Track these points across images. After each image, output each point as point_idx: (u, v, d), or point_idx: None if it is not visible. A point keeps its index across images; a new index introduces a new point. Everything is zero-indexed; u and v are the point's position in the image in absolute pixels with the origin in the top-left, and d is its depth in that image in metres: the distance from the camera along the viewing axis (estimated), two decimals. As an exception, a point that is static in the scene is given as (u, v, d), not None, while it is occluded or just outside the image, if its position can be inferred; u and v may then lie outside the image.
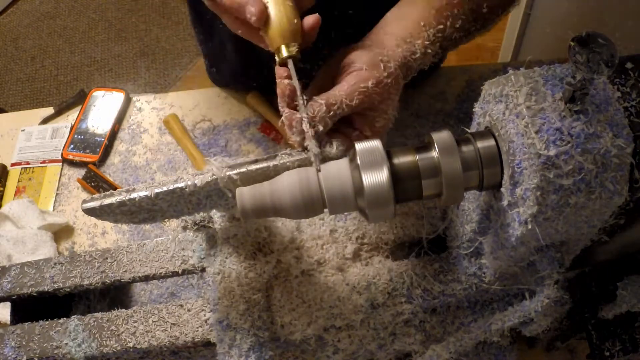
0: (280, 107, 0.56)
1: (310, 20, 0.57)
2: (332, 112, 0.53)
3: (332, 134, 0.56)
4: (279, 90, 0.56)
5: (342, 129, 0.57)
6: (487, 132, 0.47)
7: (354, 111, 0.55)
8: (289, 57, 0.55)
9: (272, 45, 0.56)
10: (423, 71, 0.92)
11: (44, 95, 2.41)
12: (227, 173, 0.52)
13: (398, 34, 0.59)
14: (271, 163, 0.52)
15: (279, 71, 0.57)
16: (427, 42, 0.59)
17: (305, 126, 0.53)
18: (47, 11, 2.68)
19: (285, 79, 0.56)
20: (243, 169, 0.52)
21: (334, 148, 0.52)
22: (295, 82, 0.55)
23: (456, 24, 0.61)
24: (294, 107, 0.55)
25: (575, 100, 0.40)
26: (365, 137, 0.55)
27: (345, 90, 0.54)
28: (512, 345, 0.67)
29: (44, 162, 0.97)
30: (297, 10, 0.56)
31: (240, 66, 0.95)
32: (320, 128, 0.53)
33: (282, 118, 0.55)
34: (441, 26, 0.60)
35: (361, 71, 0.55)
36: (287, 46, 0.55)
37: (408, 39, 0.59)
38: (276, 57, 0.56)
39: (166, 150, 0.97)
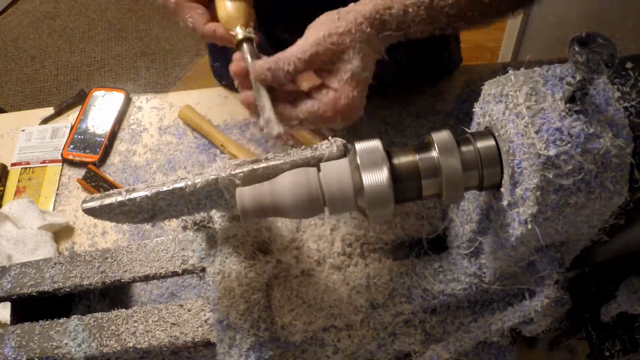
0: (238, 88, 0.58)
1: None
2: (282, 67, 0.53)
3: (302, 99, 0.57)
4: (233, 69, 0.58)
5: (314, 92, 0.57)
6: (487, 132, 0.47)
7: (312, 66, 0.55)
8: (247, 37, 0.57)
9: (234, 21, 0.58)
10: (440, 70, 0.90)
11: (44, 95, 2.41)
12: (227, 173, 0.52)
13: None
14: (271, 163, 0.52)
15: (235, 55, 0.58)
16: (409, 2, 0.57)
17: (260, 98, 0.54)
18: (47, 11, 2.68)
19: (240, 61, 0.57)
20: (243, 169, 0.52)
21: (334, 148, 0.52)
22: (249, 60, 0.56)
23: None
24: (248, 86, 0.56)
25: (575, 100, 0.40)
26: (335, 92, 0.56)
27: (297, 46, 0.54)
28: (512, 345, 0.67)
29: (44, 162, 0.98)
30: None
31: None
32: (276, 81, 0.54)
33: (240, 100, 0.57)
34: None
35: (315, 26, 0.56)
36: (241, 28, 0.57)
37: None
38: (233, 37, 0.58)
39: (166, 150, 0.97)
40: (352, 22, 0.55)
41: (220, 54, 1.00)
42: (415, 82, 0.98)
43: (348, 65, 0.56)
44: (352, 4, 0.58)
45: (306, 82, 0.58)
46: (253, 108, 0.56)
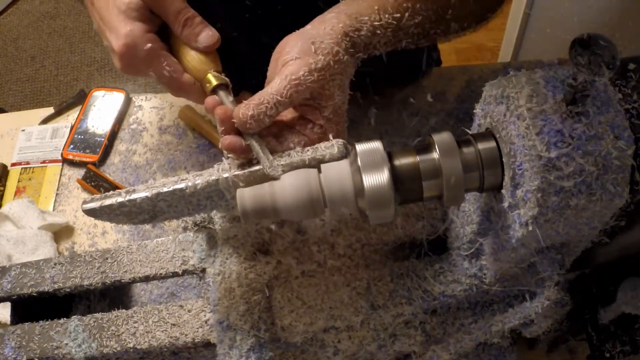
0: (220, 134, 0.55)
1: (209, 37, 0.57)
2: (265, 112, 0.51)
3: (288, 133, 0.55)
4: (219, 113, 0.54)
5: (299, 126, 0.56)
6: (488, 134, 0.47)
7: (295, 104, 0.54)
8: (221, 84, 0.55)
9: (202, 71, 0.56)
10: (417, 69, 0.90)
11: (44, 95, 2.41)
12: (228, 174, 0.52)
13: (345, 10, 0.57)
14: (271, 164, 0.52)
15: (209, 101, 0.56)
16: (377, 24, 0.56)
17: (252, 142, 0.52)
18: (47, 11, 2.68)
19: (217, 107, 0.54)
20: (243, 170, 0.52)
21: (335, 149, 0.52)
22: (229, 105, 0.54)
23: (415, 19, 0.58)
24: (233, 129, 0.54)
25: (576, 102, 0.40)
26: (321, 128, 0.54)
27: (276, 86, 0.52)
28: (512, 346, 0.67)
29: (44, 162, 0.97)
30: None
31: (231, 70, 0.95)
32: (262, 125, 0.52)
33: (223, 147, 0.53)
34: (398, 15, 0.57)
35: (292, 62, 0.53)
36: (214, 74, 0.56)
37: (355, 15, 0.56)
38: (207, 87, 0.56)
39: (166, 150, 0.97)
40: (329, 53, 0.53)
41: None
42: (388, 85, 0.98)
43: (329, 101, 0.54)
44: (321, 26, 0.56)
45: (289, 114, 0.56)
46: (239, 152, 0.53)
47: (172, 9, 0.56)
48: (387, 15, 0.57)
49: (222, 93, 0.55)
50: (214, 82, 0.55)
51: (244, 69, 0.63)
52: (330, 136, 0.54)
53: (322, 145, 0.53)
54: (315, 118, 0.55)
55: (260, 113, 0.51)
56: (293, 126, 0.56)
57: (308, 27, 0.57)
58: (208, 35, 0.56)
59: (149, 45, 0.55)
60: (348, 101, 0.58)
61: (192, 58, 0.57)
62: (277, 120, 0.56)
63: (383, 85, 0.97)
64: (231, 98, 0.55)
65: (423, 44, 0.62)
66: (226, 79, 0.56)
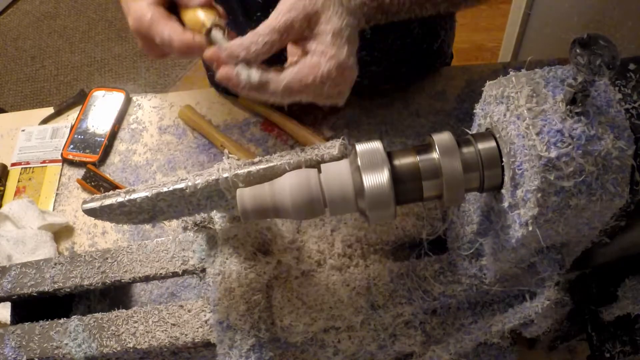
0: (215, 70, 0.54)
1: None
2: (260, 42, 0.50)
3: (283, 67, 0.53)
4: (207, 56, 0.54)
5: (296, 57, 0.54)
6: (488, 134, 0.47)
7: (288, 35, 0.52)
8: (217, 25, 0.55)
9: (198, 19, 0.56)
10: (431, 61, 0.84)
11: (44, 95, 2.41)
12: (228, 174, 0.52)
13: None
14: (271, 164, 0.52)
15: (207, 53, 0.55)
16: None
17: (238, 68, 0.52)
18: (47, 11, 2.68)
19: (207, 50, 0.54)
20: (243, 170, 0.52)
21: (335, 149, 0.52)
22: (223, 44, 0.53)
23: None
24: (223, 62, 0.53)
25: (576, 102, 0.40)
26: (318, 54, 0.52)
27: (270, 17, 0.52)
28: (512, 346, 0.67)
29: (44, 162, 0.97)
30: None
31: None
32: (254, 54, 0.51)
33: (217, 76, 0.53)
34: None
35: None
36: (207, 18, 0.55)
37: None
38: (202, 29, 0.56)
39: (166, 150, 0.97)
40: None
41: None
42: (407, 76, 0.98)
43: (327, 25, 0.52)
44: None
45: (289, 56, 0.55)
46: (233, 82, 0.52)
47: None
48: None
49: (215, 33, 0.54)
50: (207, 25, 0.55)
51: None
52: (328, 62, 0.51)
53: (323, 145, 0.53)
54: (313, 46, 0.52)
55: (252, 43, 0.50)
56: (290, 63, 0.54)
57: None
58: None
59: (149, 14, 0.57)
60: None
61: (190, 16, 0.57)
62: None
63: (399, 78, 0.97)
64: (227, 39, 0.54)
65: (447, 10, 0.60)
66: (220, 22, 0.55)
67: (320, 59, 0.51)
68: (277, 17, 0.51)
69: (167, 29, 0.56)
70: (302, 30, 0.53)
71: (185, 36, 0.56)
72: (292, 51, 0.56)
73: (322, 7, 0.52)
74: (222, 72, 0.52)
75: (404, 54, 0.91)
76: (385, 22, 0.60)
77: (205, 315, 0.62)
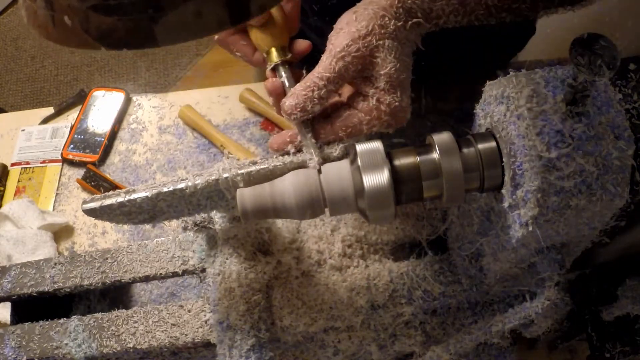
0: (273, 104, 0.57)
1: (303, 45, 0.58)
2: (312, 96, 0.50)
3: (342, 110, 0.53)
4: (268, 88, 0.56)
5: (353, 101, 0.53)
6: (488, 134, 0.47)
7: (343, 81, 0.51)
8: (283, 61, 0.56)
9: (263, 47, 0.57)
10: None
11: (44, 95, 2.41)
12: (228, 174, 0.52)
13: None
14: (272, 164, 0.52)
15: (266, 85, 0.57)
16: None
17: (302, 134, 0.53)
18: (47, 11, 2.67)
19: (266, 82, 0.56)
20: (243, 170, 0.52)
21: (335, 150, 0.52)
22: (287, 82, 0.55)
23: None
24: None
25: (577, 102, 0.40)
26: (377, 101, 0.52)
27: (322, 64, 0.51)
28: (512, 346, 0.67)
29: (44, 162, 0.97)
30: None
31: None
32: (311, 112, 0.51)
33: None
34: None
35: (335, 35, 0.52)
36: (278, 49, 0.57)
37: None
38: (267, 62, 0.57)
39: (166, 150, 0.96)
40: (373, 18, 0.50)
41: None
42: (489, 62, 0.94)
43: (382, 70, 0.51)
44: None
45: (345, 92, 0.55)
46: (285, 148, 0.54)
47: None
48: None
49: (281, 70, 0.56)
50: (274, 60, 0.57)
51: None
52: (388, 108, 0.52)
53: (324, 146, 0.53)
54: (368, 90, 0.52)
55: (307, 99, 0.50)
56: (347, 103, 0.54)
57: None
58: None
59: (216, 37, 0.59)
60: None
61: (255, 36, 0.58)
62: (334, 102, 0.55)
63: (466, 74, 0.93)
64: (288, 76, 0.56)
65: (506, 19, 0.58)
66: (286, 57, 0.57)
67: (377, 106, 0.52)
68: (329, 64, 0.50)
69: (238, 52, 0.61)
70: (357, 73, 0.52)
71: (254, 60, 0.60)
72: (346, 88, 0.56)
73: (377, 49, 0.51)
74: (277, 143, 0.56)
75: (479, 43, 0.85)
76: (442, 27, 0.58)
77: (205, 315, 0.62)
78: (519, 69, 0.45)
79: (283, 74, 0.56)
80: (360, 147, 0.46)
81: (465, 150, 0.46)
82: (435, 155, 0.45)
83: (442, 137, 0.46)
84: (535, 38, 1.38)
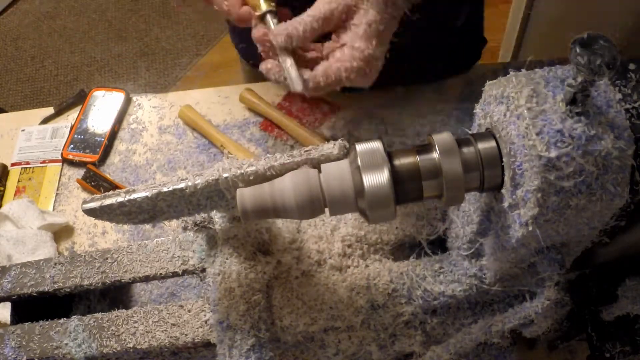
0: (262, 54, 0.61)
1: (283, 13, 0.61)
2: (301, 29, 0.56)
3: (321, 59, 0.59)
4: (257, 37, 0.60)
5: (332, 49, 0.59)
6: (488, 134, 0.47)
7: (328, 24, 0.57)
8: (270, 10, 0.60)
9: (253, 8, 0.61)
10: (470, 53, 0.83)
11: (44, 95, 2.41)
12: (228, 174, 0.52)
13: None
14: (271, 164, 0.52)
15: (254, 34, 0.60)
16: None
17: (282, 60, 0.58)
18: (47, 11, 2.68)
19: (255, 29, 0.60)
20: (243, 170, 0.52)
21: (335, 149, 0.52)
22: (272, 28, 0.59)
23: None
24: (269, 55, 0.60)
25: (577, 102, 0.40)
26: (349, 48, 0.56)
27: (312, 7, 0.57)
28: (512, 346, 0.67)
29: (44, 162, 0.97)
30: None
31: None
32: (295, 41, 0.57)
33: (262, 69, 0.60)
34: None
35: None
36: (265, 2, 0.60)
37: None
38: (256, 11, 0.60)
39: (166, 150, 0.96)
40: None
41: (247, 34, 0.98)
42: (445, 70, 0.97)
43: (363, 18, 0.56)
44: None
45: (326, 47, 0.60)
46: (273, 75, 0.59)
47: None
48: None
49: (269, 18, 0.59)
50: (263, 8, 0.60)
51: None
52: (362, 54, 0.56)
53: (323, 145, 0.53)
54: (347, 39, 0.57)
55: (295, 29, 0.56)
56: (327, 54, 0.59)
57: None
58: None
59: None
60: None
61: None
62: (316, 57, 0.59)
63: (433, 74, 0.97)
64: (276, 23, 0.60)
65: None
66: (273, 7, 0.60)
67: (349, 53, 0.56)
68: (318, 7, 0.56)
69: (226, 2, 0.62)
70: (341, 20, 0.57)
71: (242, 12, 0.62)
72: (327, 44, 0.60)
73: (361, 1, 0.56)
74: (265, 66, 0.60)
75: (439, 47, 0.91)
76: None
77: (205, 315, 0.62)
78: (519, 69, 0.45)
79: (271, 22, 0.59)
80: (360, 147, 0.46)
81: (465, 150, 0.46)
82: (435, 155, 0.45)
83: (442, 137, 0.46)
84: (536, 38, 1.38)
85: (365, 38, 0.56)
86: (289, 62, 0.57)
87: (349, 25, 0.57)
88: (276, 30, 0.57)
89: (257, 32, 0.60)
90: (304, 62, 0.60)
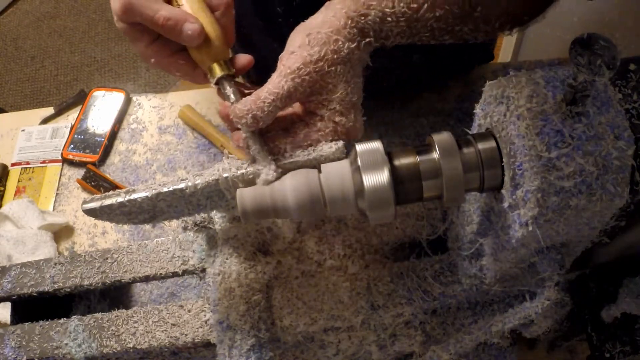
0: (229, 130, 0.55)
1: (244, 60, 0.56)
2: (262, 109, 0.50)
3: (299, 125, 0.53)
4: (219, 115, 0.55)
5: (308, 118, 0.54)
6: (488, 134, 0.46)
7: (293, 100, 0.52)
8: (227, 75, 0.54)
9: (205, 64, 0.55)
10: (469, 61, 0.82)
11: (44, 95, 2.41)
12: (228, 174, 0.52)
13: None
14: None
15: (220, 110, 0.55)
16: (389, 11, 0.53)
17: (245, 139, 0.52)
18: (47, 11, 2.68)
19: (219, 103, 0.54)
20: (243, 170, 0.52)
21: (335, 149, 0.52)
22: (232, 97, 0.53)
23: (436, 12, 0.54)
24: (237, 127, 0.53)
25: (577, 102, 0.40)
26: (332, 122, 0.53)
27: (273, 82, 0.51)
28: (512, 346, 0.67)
29: (44, 162, 0.97)
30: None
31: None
32: (260, 121, 0.51)
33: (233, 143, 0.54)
34: (414, 5, 0.53)
35: (288, 56, 0.52)
36: (220, 64, 0.54)
37: (362, 0, 0.53)
38: (210, 78, 0.55)
39: (166, 150, 0.97)
40: (326, 43, 0.51)
41: (245, 40, 0.91)
42: (444, 75, 0.97)
43: (334, 94, 0.52)
44: (325, 12, 0.53)
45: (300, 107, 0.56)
46: (247, 149, 0.53)
47: (148, 13, 0.53)
48: (401, 4, 0.53)
49: (226, 85, 0.54)
50: (217, 74, 0.54)
51: (267, 61, 0.59)
52: (343, 128, 0.53)
53: (323, 145, 0.53)
54: (323, 112, 0.53)
55: (257, 109, 0.50)
56: (304, 119, 0.54)
57: (313, 15, 0.54)
58: (188, 29, 0.52)
59: (152, 60, 0.55)
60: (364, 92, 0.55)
61: (195, 55, 0.55)
62: (287, 114, 0.55)
63: (433, 76, 0.96)
64: (234, 90, 0.54)
65: (448, 41, 0.58)
66: (232, 69, 0.55)
67: (332, 126, 0.53)
68: (280, 85, 0.50)
69: (177, 72, 0.56)
70: (308, 95, 0.52)
71: (196, 76, 0.57)
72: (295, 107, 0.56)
73: (328, 74, 0.51)
74: (237, 138, 0.54)
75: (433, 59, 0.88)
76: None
77: (205, 315, 0.62)
78: (519, 69, 0.45)
79: (228, 87, 0.54)
80: (360, 147, 0.46)
81: (465, 150, 0.46)
82: (435, 155, 0.45)
83: (442, 137, 0.46)
84: (536, 38, 1.38)
85: (342, 113, 0.53)
86: (256, 150, 0.52)
87: (318, 98, 0.53)
88: (239, 111, 0.51)
89: (222, 111, 0.55)
90: (273, 124, 0.54)
